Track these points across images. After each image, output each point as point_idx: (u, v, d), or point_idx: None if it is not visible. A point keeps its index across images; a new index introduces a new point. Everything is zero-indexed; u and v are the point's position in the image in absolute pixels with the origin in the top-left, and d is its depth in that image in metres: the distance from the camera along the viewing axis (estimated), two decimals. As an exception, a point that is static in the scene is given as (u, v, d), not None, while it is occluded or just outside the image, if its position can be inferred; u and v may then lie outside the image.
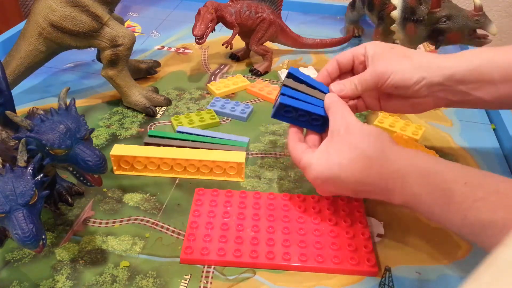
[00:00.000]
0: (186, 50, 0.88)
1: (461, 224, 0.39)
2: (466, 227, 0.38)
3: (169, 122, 0.67)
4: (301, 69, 0.80)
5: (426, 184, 0.41)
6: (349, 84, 0.49)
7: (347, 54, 0.52)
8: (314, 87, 0.50)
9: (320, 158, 0.45)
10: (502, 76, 0.47)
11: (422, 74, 0.47)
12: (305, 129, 0.51)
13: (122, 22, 0.70)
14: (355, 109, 0.53)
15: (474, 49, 0.50)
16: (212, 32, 0.74)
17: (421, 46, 0.92)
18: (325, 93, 0.50)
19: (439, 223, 0.42)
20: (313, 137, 0.50)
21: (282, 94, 0.50)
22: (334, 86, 0.49)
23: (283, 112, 0.49)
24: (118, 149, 0.56)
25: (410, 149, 0.44)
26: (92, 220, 0.50)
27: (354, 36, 0.94)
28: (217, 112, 0.67)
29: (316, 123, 0.49)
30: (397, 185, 0.42)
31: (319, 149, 0.46)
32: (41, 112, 0.43)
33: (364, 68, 0.50)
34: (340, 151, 0.44)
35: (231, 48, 0.79)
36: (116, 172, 0.56)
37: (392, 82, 0.48)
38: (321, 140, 0.49)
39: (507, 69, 0.47)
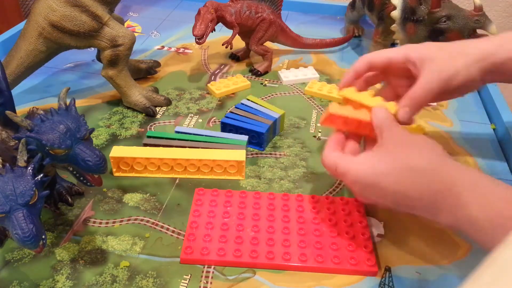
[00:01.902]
0: (186, 50, 0.88)
1: None
2: None
3: (169, 122, 0.67)
4: (301, 69, 0.80)
5: (488, 210, 0.36)
6: (403, 110, 0.47)
7: (382, 57, 0.50)
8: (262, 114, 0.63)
9: (362, 163, 0.42)
10: None
11: (479, 66, 0.46)
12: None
13: (122, 22, 0.70)
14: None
15: None
16: (212, 32, 0.74)
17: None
18: (272, 118, 0.62)
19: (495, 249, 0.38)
20: (352, 145, 0.48)
21: (226, 117, 0.63)
22: (401, 113, 0.47)
23: (227, 130, 0.62)
24: (117, 151, 0.56)
25: (467, 165, 0.41)
26: (92, 220, 0.50)
27: (354, 36, 0.94)
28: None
29: (254, 141, 0.61)
30: (447, 203, 0.38)
31: (363, 155, 0.43)
32: (41, 112, 0.43)
33: (405, 71, 0.49)
34: (384, 160, 0.41)
35: (231, 48, 0.79)
36: (116, 174, 0.56)
37: (458, 84, 0.46)
38: (360, 149, 0.48)
39: None
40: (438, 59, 0.47)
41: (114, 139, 0.63)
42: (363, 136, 0.49)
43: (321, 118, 0.49)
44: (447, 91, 0.47)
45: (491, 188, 0.38)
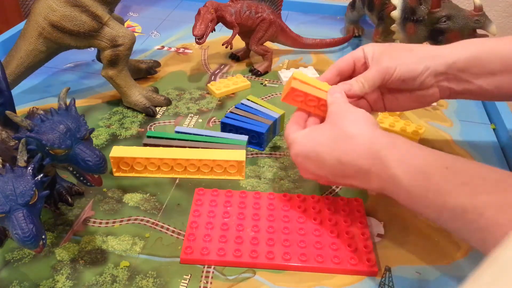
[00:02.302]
0: (186, 50, 0.88)
1: (440, 209, 0.38)
2: (446, 212, 0.37)
3: (169, 122, 0.67)
4: (301, 69, 0.80)
5: (406, 166, 0.40)
6: (355, 83, 0.49)
7: (347, 58, 0.52)
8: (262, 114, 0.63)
9: (304, 136, 0.46)
10: (502, 66, 0.48)
11: (426, 64, 0.48)
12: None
13: (122, 22, 0.70)
14: None
15: (475, 39, 0.51)
16: (212, 32, 0.74)
17: (421, 46, 0.92)
18: (272, 118, 0.62)
19: (417, 209, 0.41)
20: (312, 120, 0.50)
21: (226, 117, 0.63)
22: (342, 86, 0.49)
23: (227, 130, 0.62)
24: (117, 151, 0.56)
25: (392, 133, 0.44)
26: (92, 220, 0.50)
27: (354, 36, 0.94)
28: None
29: (254, 141, 0.61)
30: (375, 166, 0.41)
31: (308, 128, 0.47)
32: (41, 112, 0.43)
33: (366, 69, 0.50)
34: (324, 131, 0.45)
35: (231, 48, 0.79)
36: (116, 174, 0.56)
37: (398, 75, 0.48)
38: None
39: (507, 59, 0.48)
40: (384, 54, 0.50)
41: (114, 139, 0.63)
42: (321, 117, 0.50)
43: (283, 95, 0.50)
44: (393, 83, 0.49)
45: (408, 148, 0.41)
